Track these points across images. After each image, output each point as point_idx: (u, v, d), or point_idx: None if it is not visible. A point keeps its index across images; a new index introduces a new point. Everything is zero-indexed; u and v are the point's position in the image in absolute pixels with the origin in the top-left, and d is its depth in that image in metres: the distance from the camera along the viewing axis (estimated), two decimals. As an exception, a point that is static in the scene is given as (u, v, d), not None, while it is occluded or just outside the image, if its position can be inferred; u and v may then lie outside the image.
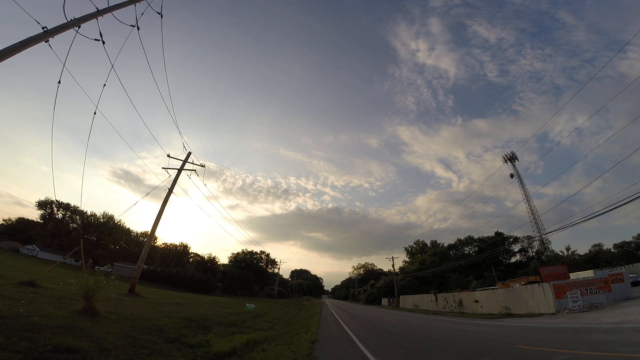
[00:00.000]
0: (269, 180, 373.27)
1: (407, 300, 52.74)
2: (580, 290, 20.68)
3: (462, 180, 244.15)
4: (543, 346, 8.85)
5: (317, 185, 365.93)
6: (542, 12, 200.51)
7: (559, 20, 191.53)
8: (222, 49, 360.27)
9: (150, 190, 25.52)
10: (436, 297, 40.39)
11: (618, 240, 76.38)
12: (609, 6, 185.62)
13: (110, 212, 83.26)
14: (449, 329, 17.13)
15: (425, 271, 66.30)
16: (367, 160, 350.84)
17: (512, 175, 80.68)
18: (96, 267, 55.24)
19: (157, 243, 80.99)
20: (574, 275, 31.10)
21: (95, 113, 12.10)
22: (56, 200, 72.97)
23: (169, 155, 24.65)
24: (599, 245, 78.21)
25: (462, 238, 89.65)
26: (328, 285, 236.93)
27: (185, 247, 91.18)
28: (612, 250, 74.41)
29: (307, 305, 61.08)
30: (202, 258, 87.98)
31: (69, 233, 68.39)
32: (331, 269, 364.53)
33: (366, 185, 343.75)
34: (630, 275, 30.34)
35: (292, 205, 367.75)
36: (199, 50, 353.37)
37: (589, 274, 37.14)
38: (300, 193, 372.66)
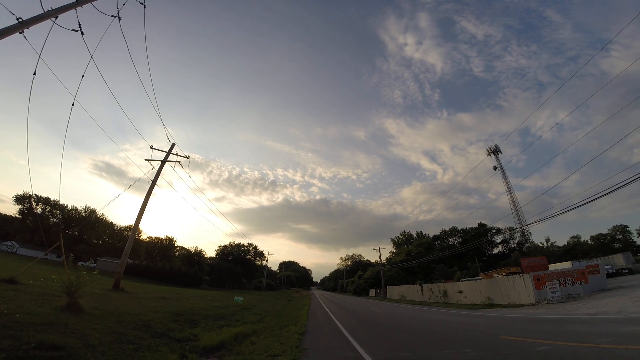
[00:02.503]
0: (256, 172, 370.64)
1: (393, 291, 53.76)
2: (559, 281, 21.43)
3: (447, 173, 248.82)
4: (524, 337, 9.20)
5: (305, 177, 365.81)
6: (531, 10, 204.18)
7: (546, 18, 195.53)
8: (210, 41, 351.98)
9: (133, 183, 24.91)
10: (422, 287, 41.30)
11: (594, 233, 79.66)
12: (596, 5, 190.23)
13: (92, 205, 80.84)
14: (434, 319, 17.58)
15: (411, 262, 67.58)
16: (354, 152, 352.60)
17: (495, 168, 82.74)
18: (79, 263, 54.00)
19: (141, 237, 79.57)
20: (552, 267, 32.23)
21: (73, 104, 11.68)
22: (34, 194, 70.39)
23: (152, 147, 24.12)
24: (577, 237, 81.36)
25: (446, 229, 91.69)
26: (317, 277, 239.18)
27: (170, 241, 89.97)
28: (589, 242, 77.51)
29: (296, 297, 61.46)
30: (189, 251, 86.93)
31: (49, 228, 66.36)
32: (320, 260, 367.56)
33: (353, 177, 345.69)
34: (606, 266, 31.74)
35: (279, 197, 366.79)
36: (186, 42, 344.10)
37: (566, 265, 38.53)
38: (288, 185, 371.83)
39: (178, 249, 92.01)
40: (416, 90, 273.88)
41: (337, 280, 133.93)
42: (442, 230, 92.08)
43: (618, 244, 75.54)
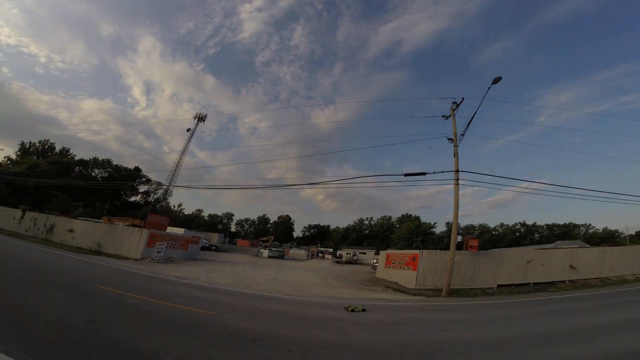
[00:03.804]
0: None
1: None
2: (167, 243, 24.55)
3: (148, 110, 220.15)
4: (118, 289, 10.48)
5: None
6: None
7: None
8: None
9: None
10: (24, 214, 33.46)
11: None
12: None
13: None
14: (25, 256, 15.48)
15: (30, 180, 52.98)
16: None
17: (188, 130, 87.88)
18: None
19: None
20: (170, 230, 37.64)
21: None
22: None
23: None
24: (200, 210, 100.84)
25: (99, 158, 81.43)
26: None
27: None
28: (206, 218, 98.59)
29: None
30: None
31: None
32: None
33: (43, 60, 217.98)
34: (204, 240, 41.98)
35: None
36: None
37: (180, 231, 46.79)
38: None
39: None
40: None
41: None
42: (93, 158, 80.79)
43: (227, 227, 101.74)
